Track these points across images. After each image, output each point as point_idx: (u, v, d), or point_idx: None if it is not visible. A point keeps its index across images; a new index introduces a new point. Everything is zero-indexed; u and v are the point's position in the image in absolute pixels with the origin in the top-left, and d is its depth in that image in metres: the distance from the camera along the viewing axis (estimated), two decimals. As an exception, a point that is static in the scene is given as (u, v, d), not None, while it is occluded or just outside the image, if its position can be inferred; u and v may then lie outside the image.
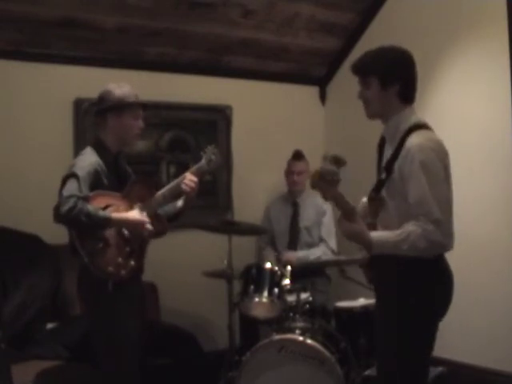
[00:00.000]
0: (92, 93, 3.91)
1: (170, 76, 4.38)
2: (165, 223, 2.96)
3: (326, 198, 2.21)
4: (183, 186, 2.89)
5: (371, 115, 2.41)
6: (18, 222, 3.56)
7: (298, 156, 4.31)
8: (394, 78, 2.32)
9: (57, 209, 2.58)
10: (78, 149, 3.99)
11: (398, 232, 2.19)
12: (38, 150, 3.94)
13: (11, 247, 3.47)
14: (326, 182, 2.14)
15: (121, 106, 2.84)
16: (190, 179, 2.89)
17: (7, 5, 3.58)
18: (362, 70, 2.37)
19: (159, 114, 4.18)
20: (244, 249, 4.15)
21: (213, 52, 4.44)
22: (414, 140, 2.24)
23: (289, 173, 4.32)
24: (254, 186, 4.72)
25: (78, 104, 4.03)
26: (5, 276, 3.36)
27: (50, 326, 3.46)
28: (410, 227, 2.16)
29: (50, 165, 3.91)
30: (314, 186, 2.17)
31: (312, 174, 2.17)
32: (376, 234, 2.23)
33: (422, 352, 2.30)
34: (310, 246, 4.21)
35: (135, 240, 2.80)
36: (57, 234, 3.01)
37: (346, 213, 2.22)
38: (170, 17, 4.03)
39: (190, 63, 4.45)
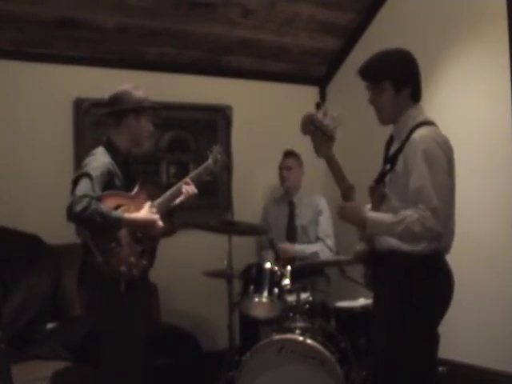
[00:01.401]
0: (92, 93, 3.96)
1: (170, 76, 4.38)
2: (174, 222, 2.98)
3: (318, 152, 2.26)
4: (183, 190, 2.97)
5: (385, 121, 2.41)
6: (18, 222, 3.56)
7: (287, 153, 4.36)
8: (407, 80, 2.35)
9: (70, 208, 2.58)
10: (78, 149, 4.00)
11: (394, 215, 2.22)
12: (38, 149, 3.94)
13: (11, 247, 3.47)
14: (317, 129, 2.19)
15: (142, 108, 2.87)
16: (191, 189, 2.98)
17: (7, 5, 3.58)
18: (374, 75, 2.36)
19: (159, 114, 4.15)
20: (244, 249, 4.14)
21: (213, 52, 4.44)
22: (420, 132, 2.26)
23: (279, 170, 4.35)
24: (254, 186, 4.72)
25: (78, 104, 4.04)
26: (5, 276, 3.36)
27: (50, 325, 3.46)
28: (408, 212, 2.18)
29: (50, 165, 3.92)
30: (305, 132, 2.22)
31: (303, 117, 2.21)
32: (371, 213, 2.29)
33: (425, 351, 2.30)
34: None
35: (147, 240, 2.82)
36: (57, 234, 3.01)
37: (339, 181, 2.30)
38: (170, 17, 4.03)
39: (190, 63, 4.45)
